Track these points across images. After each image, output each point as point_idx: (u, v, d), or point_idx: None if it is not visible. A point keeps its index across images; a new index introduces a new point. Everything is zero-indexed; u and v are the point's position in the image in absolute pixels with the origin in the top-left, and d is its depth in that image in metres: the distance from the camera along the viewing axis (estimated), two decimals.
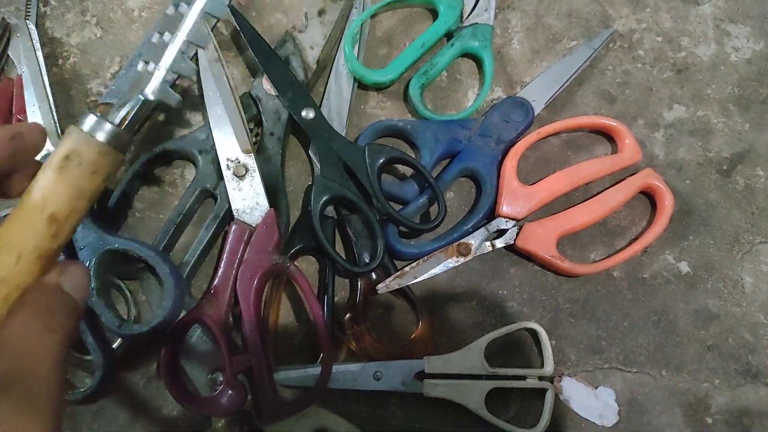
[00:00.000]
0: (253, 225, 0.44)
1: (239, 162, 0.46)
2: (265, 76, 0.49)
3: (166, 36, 0.43)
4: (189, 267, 0.46)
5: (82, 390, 0.41)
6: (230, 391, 0.41)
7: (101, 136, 0.34)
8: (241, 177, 0.46)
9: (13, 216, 0.32)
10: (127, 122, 0.38)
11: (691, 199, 0.51)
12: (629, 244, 0.49)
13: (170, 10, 0.44)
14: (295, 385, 0.45)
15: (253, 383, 0.41)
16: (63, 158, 0.33)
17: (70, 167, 0.33)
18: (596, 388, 0.47)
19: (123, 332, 0.42)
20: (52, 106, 0.48)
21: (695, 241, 0.50)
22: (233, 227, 0.44)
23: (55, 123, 0.48)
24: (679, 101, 0.54)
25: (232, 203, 0.45)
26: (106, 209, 0.46)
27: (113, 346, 0.44)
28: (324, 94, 0.51)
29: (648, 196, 0.51)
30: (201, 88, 0.47)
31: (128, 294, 0.45)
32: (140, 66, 0.43)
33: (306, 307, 0.47)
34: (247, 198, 0.45)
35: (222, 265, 0.43)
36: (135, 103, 0.39)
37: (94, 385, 0.41)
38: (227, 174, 0.46)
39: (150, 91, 0.41)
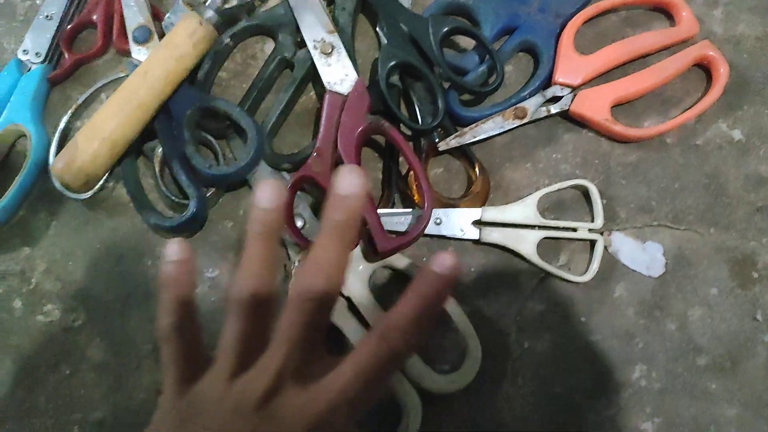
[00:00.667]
0: (345, 93, 0.49)
1: (325, 41, 0.51)
2: None
3: None
4: (270, 125, 0.51)
5: (177, 217, 0.48)
6: None
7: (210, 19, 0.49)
8: (328, 54, 0.51)
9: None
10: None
11: (747, 71, 0.52)
12: (683, 112, 0.51)
13: None
14: (390, 229, 0.48)
15: (365, 226, 0.46)
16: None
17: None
18: (645, 242, 0.49)
19: (211, 172, 0.48)
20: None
21: (749, 111, 0.52)
22: (327, 97, 0.49)
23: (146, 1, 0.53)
24: None
25: (322, 77, 0.50)
26: (198, 77, 0.52)
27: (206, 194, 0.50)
28: None
29: (704, 70, 0.53)
30: None
31: (217, 147, 0.51)
32: None
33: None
34: (336, 71, 0.50)
35: (322, 130, 0.48)
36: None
37: (189, 214, 0.47)
38: (315, 53, 0.51)
39: None
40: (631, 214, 0.50)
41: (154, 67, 0.48)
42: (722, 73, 0.50)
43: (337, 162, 0.48)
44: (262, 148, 0.49)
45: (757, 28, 0.53)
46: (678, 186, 0.51)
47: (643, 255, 0.49)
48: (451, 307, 0.47)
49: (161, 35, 0.52)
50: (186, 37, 0.48)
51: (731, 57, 0.52)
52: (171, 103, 0.49)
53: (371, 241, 0.46)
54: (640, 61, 0.53)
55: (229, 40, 0.53)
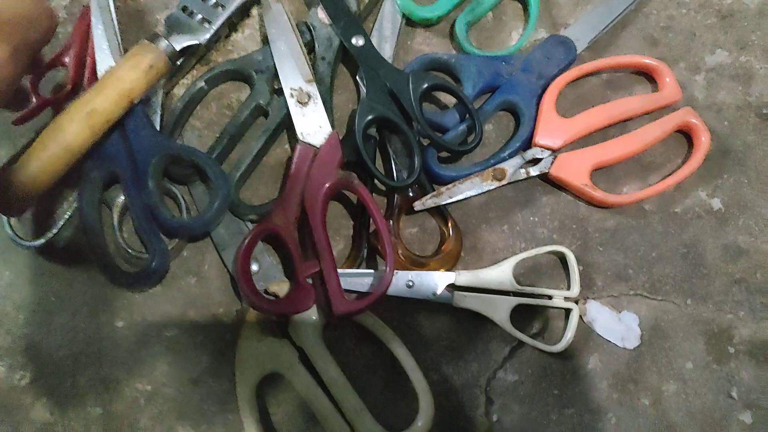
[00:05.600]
0: (317, 146, 0.48)
1: (302, 90, 0.49)
2: (321, 5, 0.52)
3: None
4: (239, 174, 0.49)
5: (136, 271, 0.45)
6: (301, 292, 0.44)
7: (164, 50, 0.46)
8: (304, 104, 0.49)
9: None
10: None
11: (728, 139, 0.52)
12: (663, 179, 0.51)
13: None
14: (352, 289, 0.47)
15: (323, 285, 0.44)
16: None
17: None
18: (620, 312, 0.48)
19: (175, 223, 0.46)
20: (117, 29, 0.50)
21: (729, 180, 0.51)
22: (299, 148, 0.48)
23: (119, 44, 0.50)
24: (722, 46, 0.54)
25: (296, 127, 0.49)
26: (167, 122, 0.51)
27: (168, 246, 0.48)
28: (373, 28, 0.54)
29: (685, 136, 0.52)
30: (262, 23, 0.52)
31: (180, 198, 0.49)
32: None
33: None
34: (311, 122, 0.49)
35: (289, 181, 0.47)
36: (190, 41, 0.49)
37: (150, 268, 0.45)
38: (291, 101, 0.49)
39: (203, 39, 0.50)
40: (608, 282, 0.49)
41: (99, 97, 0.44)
42: (703, 141, 0.50)
43: (302, 216, 0.47)
44: (229, 199, 0.47)
45: (738, 96, 0.53)
46: (656, 254, 0.50)
47: (618, 325, 0.48)
48: (408, 363, 0.45)
49: None
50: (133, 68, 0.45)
51: (712, 124, 0.52)
52: (136, 151, 0.47)
53: (328, 302, 0.44)
54: (621, 124, 0.52)
55: (203, 84, 0.52)
